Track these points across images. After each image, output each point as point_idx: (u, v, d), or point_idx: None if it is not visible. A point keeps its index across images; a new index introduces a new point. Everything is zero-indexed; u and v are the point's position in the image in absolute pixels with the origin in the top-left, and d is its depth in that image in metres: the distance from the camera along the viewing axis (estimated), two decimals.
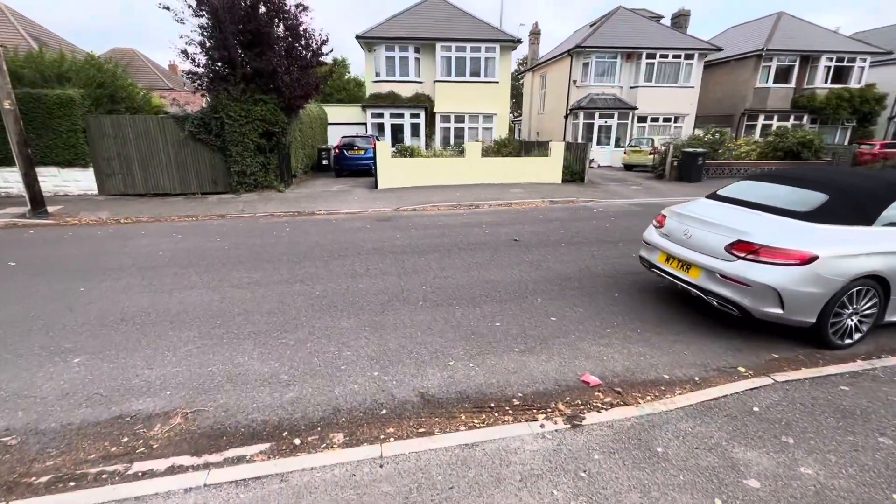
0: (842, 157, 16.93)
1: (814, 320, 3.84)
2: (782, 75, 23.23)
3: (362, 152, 16.18)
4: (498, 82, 20.04)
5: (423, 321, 4.52)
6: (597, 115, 21.66)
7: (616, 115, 21.75)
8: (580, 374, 3.58)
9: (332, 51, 13.51)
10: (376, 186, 13.42)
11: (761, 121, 23.60)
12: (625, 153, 20.18)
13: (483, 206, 10.98)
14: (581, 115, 21.71)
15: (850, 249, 3.75)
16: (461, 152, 14.39)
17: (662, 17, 25.16)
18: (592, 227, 8.76)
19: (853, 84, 23.05)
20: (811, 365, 3.72)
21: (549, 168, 14.30)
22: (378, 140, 15.74)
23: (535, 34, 28.01)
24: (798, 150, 16.34)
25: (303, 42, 12.79)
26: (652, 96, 21.73)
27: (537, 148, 16.22)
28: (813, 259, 3.66)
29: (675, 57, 21.53)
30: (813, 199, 4.19)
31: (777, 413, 2.96)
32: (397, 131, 19.97)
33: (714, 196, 5.11)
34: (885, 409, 3.00)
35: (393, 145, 16.09)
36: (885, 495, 2.28)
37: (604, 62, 21.86)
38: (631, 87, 22.03)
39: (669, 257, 4.65)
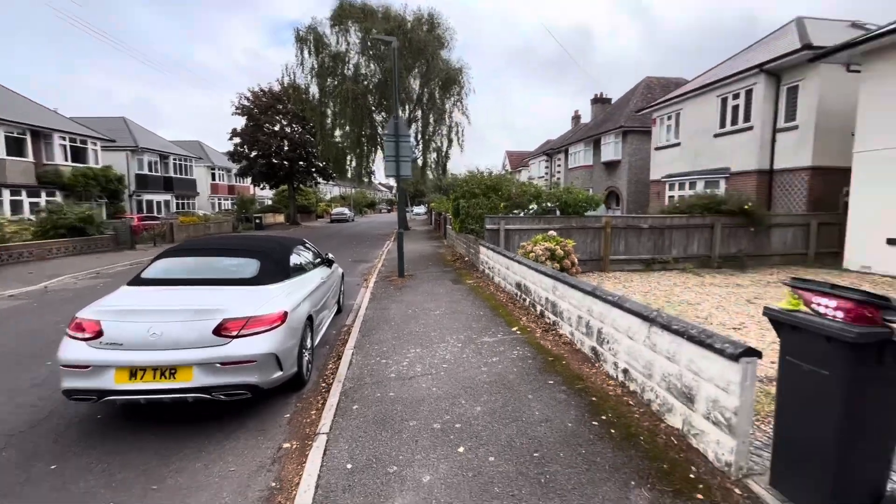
0: (120, 229, 17.93)
1: (297, 368, 4.26)
2: (16, 148, 20.85)
3: None
4: None
5: None
6: None
7: None
8: None
9: None
10: None
11: (8, 196, 20.22)
12: None
13: None
14: None
15: (295, 299, 4.44)
16: None
17: None
18: None
19: (93, 164, 24.62)
20: (316, 406, 4.14)
21: None
22: None
23: None
24: (82, 226, 15.66)
25: None
26: None
27: None
28: (286, 315, 4.03)
29: None
30: (250, 265, 4.51)
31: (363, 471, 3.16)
32: None
33: (141, 281, 4.21)
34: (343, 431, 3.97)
35: None
36: None
37: None
38: None
39: (136, 371, 3.43)
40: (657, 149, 18.83)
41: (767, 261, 11.68)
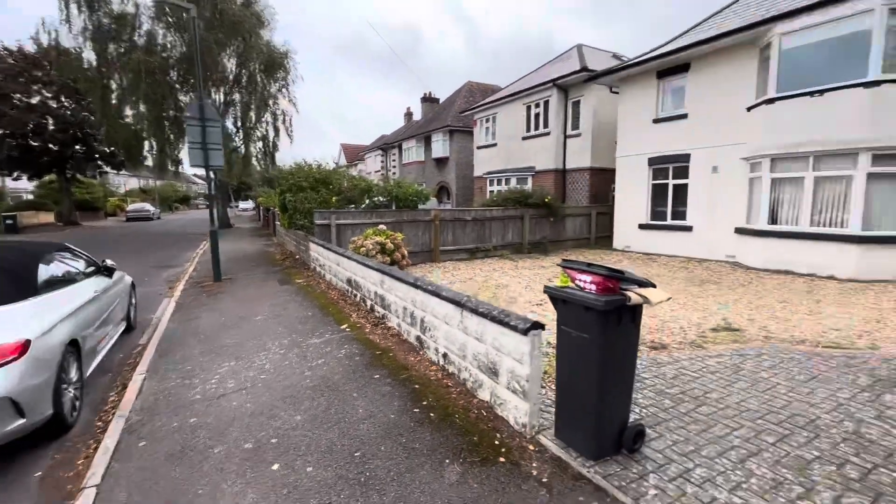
0: None
1: (53, 409, 3.31)
2: None
3: None
4: None
5: None
6: None
7: None
8: None
9: None
10: None
11: None
12: None
13: None
14: None
15: (47, 322, 3.44)
16: None
17: None
18: None
19: None
20: (86, 453, 3.28)
21: None
22: None
23: None
24: None
25: None
26: None
27: None
28: (28, 344, 3.10)
29: None
30: None
31: None
32: None
33: None
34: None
35: None
36: None
37: None
38: None
39: None
40: (479, 148, 20.73)
41: (563, 245, 14.01)
